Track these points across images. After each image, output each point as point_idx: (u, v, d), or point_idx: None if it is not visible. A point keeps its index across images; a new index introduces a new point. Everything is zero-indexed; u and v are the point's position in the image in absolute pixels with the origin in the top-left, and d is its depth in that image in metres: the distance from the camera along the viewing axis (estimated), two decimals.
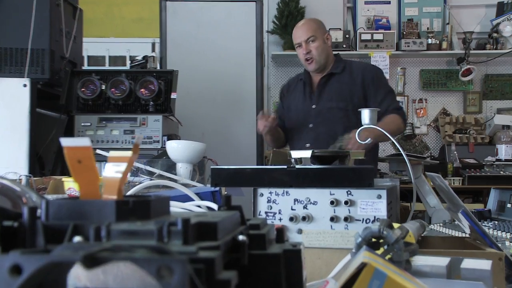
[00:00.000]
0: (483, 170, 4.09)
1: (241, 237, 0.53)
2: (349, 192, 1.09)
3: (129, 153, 0.58)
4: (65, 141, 0.52)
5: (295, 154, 1.24)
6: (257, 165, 4.02)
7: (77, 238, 0.48)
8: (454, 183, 3.96)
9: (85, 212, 0.50)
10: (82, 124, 3.15)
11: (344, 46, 4.47)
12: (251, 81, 4.12)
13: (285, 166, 1.10)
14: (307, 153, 1.23)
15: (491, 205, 1.91)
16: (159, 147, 3.06)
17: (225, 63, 4.14)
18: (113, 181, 0.55)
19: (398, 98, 4.67)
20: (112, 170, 0.56)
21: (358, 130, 1.61)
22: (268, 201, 1.10)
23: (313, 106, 2.80)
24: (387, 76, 4.49)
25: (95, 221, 0.50)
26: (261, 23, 4.10)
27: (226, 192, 1.42)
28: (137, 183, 2.37)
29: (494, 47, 4.53)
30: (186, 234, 0.47)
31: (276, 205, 1.11)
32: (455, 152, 4.30)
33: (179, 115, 3.35)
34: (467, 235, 1.16)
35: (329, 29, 4.47)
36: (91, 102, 3.17)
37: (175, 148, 2.23)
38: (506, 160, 3.89)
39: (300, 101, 2.86)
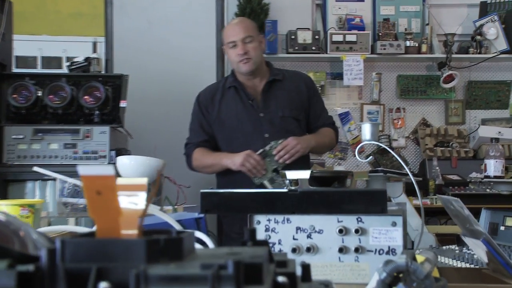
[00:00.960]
0: (468, 187, 4.19)
1: (280, 279, 0.53)
2: (359, 219, 1.09)
3: (144, 180, 0.57)
4: (84, 170, 0.50)
5: (291, 175, 1.24)
6: (217, 182, 4.00)
7: (103, 285, 0.46)
8: (436, 203, 4.05)
9: (108, 252, 0.49)
10: (13, 136, 3.07)
11: (314, 48, 4.53)
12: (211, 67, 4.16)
13: (285, 189, 1.09)
14: (305, 174, 1.22)
15: (482, 227, 1.95)
16: (106, 163, 3.02)
17: (182, 67, 4.14)
18: (131, 214, 0.53)
19: (373, 107, 4.81)
20: (126, 201, 0.55)
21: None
22: (267, 230, 1.09)
23: (261, 115, 2.88)
24: (360, 82, 4.60)
25: (121, 263, 0.48)
26: (221, 21, 4.12)
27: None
28: (81, 205, 2.31)
29: (478, 51, 4.68)
30: (238, 279, 0.46)
31: (276, 234, 1.10)
32: (437, 168, 4.40)
33: (129, 126, 3.31)
34: (483, 266, 1.18)
35: (297, 28, 4.54)
36: (25, 111, 3.10)
37: (128, 165, 2.21)
38: (495, 177, 3.98)
39: (240, 109, 2.91)
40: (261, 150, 2.76)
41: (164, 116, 4.10)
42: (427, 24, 4.74)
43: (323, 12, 4.81)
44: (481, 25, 4.67)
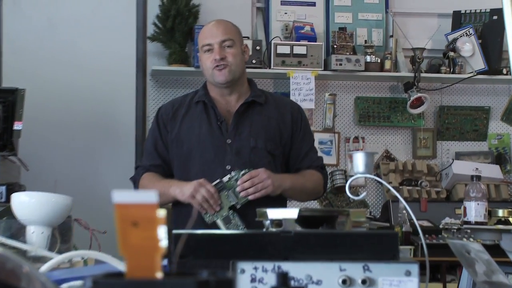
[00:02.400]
0: (441, 236, 4.30)
1: None
2: (366, 267, 1.12)
3: (163, 212, 0.58)
4: (119, 196, 0.51)
5: (274, 213, 1.26)
6: None
7: None
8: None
9: None
10: None
11: (254, 61, 4.57)
12: (128, 106, 4.15)
13: (276, 230, 1.12)
14: (290, 213, 1.25)
15: (465, 286, 2.03)
16: None
17: (93, 79, 4.12)
18: (147, 250, 0.55)
19: (326, 136, 4.90)
20: (139, 236, 0.56)
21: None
22: (253, 280, 1.10)
23: (228, 141, 2.93)
24: (311, 105, 4.68)
25: None
26: (143, 25, 4.12)
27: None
28: None
29: (451, 70, 4.84)
30: None
31: (264, 286, 1.11)
32: (404, 212, 4.51)
33: (24, 155, 3.25)
34: None
35: None
36: None
37: (26, 204, 2.19)
38: (477, 223, 4.09)
39: (205, 130, 2.96)
40: (218, 181, 2.79)
41: (68, 143, 4.05)
42: (391, 36, 4.88)
43: (266, 18, 4.88)
44: (455, 40, 4.84)
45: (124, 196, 0.51)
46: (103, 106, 4.12)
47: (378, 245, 1.10)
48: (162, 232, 0.55)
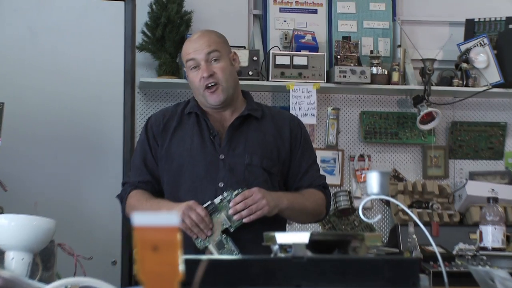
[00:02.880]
0: (455, 264, 4.28)
1: None
2: None
3: (177, 236, 0.59)
4: (140, 218, 0.52)
5: (282, 238, 1.26)
6: (122, 253, 3.97)
7: None
8: None
9: None
10: None
11: (251, 73, 4.58)
12: (115, 121, 4.17)
13: (288, 256, 1.12)
14: (301, 237, 1.25)
15: None
16: None
17: (76, 93, 4.11)
18: (166, 276, 0.55)
19: (329, 154, 4.90)
20: (159, 261, 0.57)
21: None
22: None
23: (221, 157, 2.93)
24: (313, 120, 4.68)
25: None
26: (132, 34, 4.12)
27: None
28: None
29: (464, 83, 4.83)
30: None
31: None
32: (414, 236, 4.49)
33: (1, 174, 3.24)
34: None
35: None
36: None
37: (5, 228, 2.18)
38: (494, 249, 4.06)
39: (196, 144, 2.97)
40: (209, 203, 2.78)
41: (50, 160, 4.02)
42: (399, 46, 4.89)
43: (263, 26, 4.89)
44: (468, 50, 4.83)
45: (144, 218, 0.51)
46: (88, 121, 4.08)
47: (397, 272, 1.10)
48: (181, 257, 0.55)
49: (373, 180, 1.68)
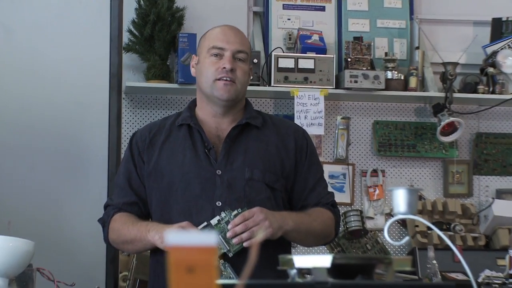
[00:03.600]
0: None
1: None
2: None
3: (213, 257, 0.60)
4: (174, 237, 0.53)
5: (301, 261, 1.27)
6: (106, 279, 3.96)
7: None
8: None
9: None
10: None
11: (251, 77, 4.56)
12: (99, 131, 4.16)
13: (310, 281, 1.12)
14: (322, 260, 1.26)
15: None
16: None
17: (56, 99, 4.11)
18: None
19: (338, 169, 4.90)
20: (194, 284, 0.58)
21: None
22: None
23: (218, 172, 2.92)
24: (320, 130, 4.68)
25: None
26: (119, 33, 4.11)
27: None
28: None
29: (490, 89, 4.80)
30: None
31: None
32: (434, 262, 4.48)
33: None
34: None
35: None
36: None
37: None
38: None
39: (189, 159, 2.97)
40: (204, 224, 2.77)
41: (26, 174, 4.01)
42: (417, 48, 4.88)
43: (265, 24, 4.90)
44: (494, 53, 4.82)
45: (179, 238, 0.52)
46: (69, 130, 4.07)
47: None
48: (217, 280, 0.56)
49: (400, 198, 1.68)
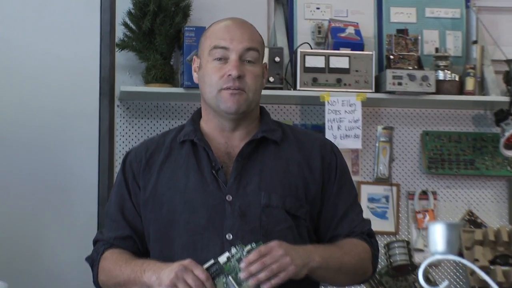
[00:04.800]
0: None
1: None
2: None
3: None
4: None
5: None
6: None
7: None
8: None
9: None
10: None
11: (272, 79, 4.59)
12: (88, 148, 4.22)
13: None
14: None
15: None
16: None
17: (35, 106, 4.12)
18: None
19: (379, 190, 4.88)
20: None
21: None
22: None
23: (228, 198, 2.88)
24: (357, 143, 4.66)
25: None
26: (111, 27, 4.10)
27: None
28: None
29: None
30: None
31: None
32: None
33: None
34: None
35: None
36: None
37: None
38: None
39: (194, 183, 2.92)
40: (211, 262, 2.72)
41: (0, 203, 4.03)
42: (475, 42, 4.89)
43: (289, 15, 4.91)
44: None
45: None
46: (51, 146, 4.07)
47: None
48: None
49: (438, 235, 1.68)
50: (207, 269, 2.69)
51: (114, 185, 3.14)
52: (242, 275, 2.66)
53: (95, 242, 3.08)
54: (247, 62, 2.88)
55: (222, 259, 2.70)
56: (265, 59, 4.48)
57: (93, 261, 3.01)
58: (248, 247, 2.69)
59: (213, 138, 2.97)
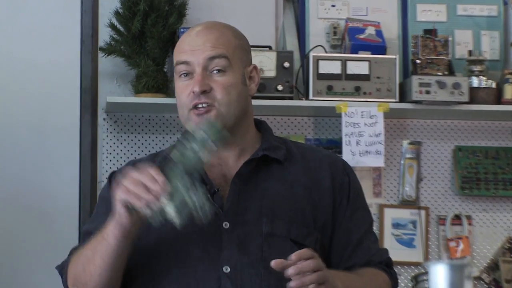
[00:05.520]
0: None
1: None
2: None
3: None
4: None
5: None
6: None
7: None
8: None
9: None
10: None
11: (280, 88, 4.57)
12: (66, 167, 4.22)
13: None
14: None
15: None
16: None
17: (5, 121, 4.05)
18: None
19: (405, 214, 4.85)
20: None
21: None
22: None
23: (225, 225, 2.85)
24: (379, 161, 4.63)
25: None
26: (93, 29, 4.06)
27: None
28: None
29: None
30: None
31: None
32: None
33: None
34: None
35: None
36: None
37: None
38: None
39: None
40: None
41: None
42: None
43: (300, 14, 4.92)
44: None
45: None
46: (25, 166, 4.06)
47: None
48: None
49: (440, 278, 1.68)
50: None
51: (96, 207, 3.13)
52: (290, 271, 2.63)
53: (60, 269, 3.04)
54: (216, 71, 2.87)
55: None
56: (272, 66, 4.47)
57: (62, 268, 2.99)
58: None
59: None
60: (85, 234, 3.03)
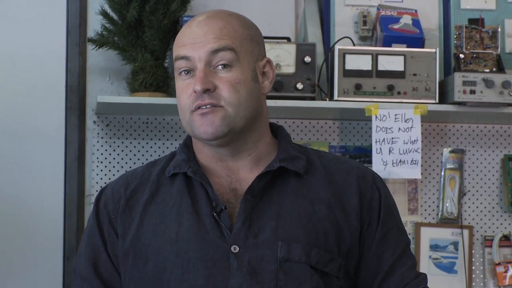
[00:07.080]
0: None
1: None
2: None
3: None
4: None
5: None
6: None
7: None
8: None
9: None
10: None
11: (300, 86, 4.58)
12: (51, 179, 4.22)
13: None
14: None
15: None
16: None
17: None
18: None
19: (445, 234, 4.83)
20: None
21: None
22: None
23: (234, 249, 2.83)
24: (415, 172, 4.62)
25: None
26: (81, 18, 4.09)
27: None
28: None
29: None
30: None
31: None
32: None
33: None
34: None
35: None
36: None
37: None
38: None
39: (188, 230, 2.88)
40: None
41: None
42: None
43: (324, 1, 4.97)
44: None
45: None
46: (0, 180, 4.06)
47: None
48: None
49: None
50: None
51: (84, 233, 3.10)
52: None
53: None
54: (221, 67, 2.84)
55: None
56: (291, 61, 4.48)
57: None
58: None
59: (212, 170, 2.94)
60: (76, 275, 3.04)
